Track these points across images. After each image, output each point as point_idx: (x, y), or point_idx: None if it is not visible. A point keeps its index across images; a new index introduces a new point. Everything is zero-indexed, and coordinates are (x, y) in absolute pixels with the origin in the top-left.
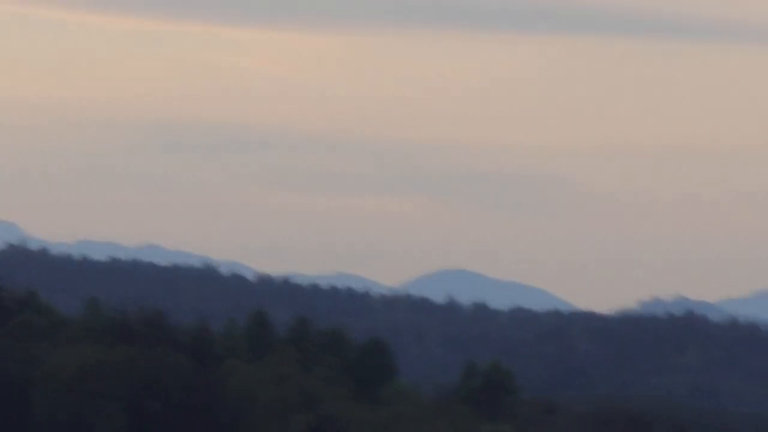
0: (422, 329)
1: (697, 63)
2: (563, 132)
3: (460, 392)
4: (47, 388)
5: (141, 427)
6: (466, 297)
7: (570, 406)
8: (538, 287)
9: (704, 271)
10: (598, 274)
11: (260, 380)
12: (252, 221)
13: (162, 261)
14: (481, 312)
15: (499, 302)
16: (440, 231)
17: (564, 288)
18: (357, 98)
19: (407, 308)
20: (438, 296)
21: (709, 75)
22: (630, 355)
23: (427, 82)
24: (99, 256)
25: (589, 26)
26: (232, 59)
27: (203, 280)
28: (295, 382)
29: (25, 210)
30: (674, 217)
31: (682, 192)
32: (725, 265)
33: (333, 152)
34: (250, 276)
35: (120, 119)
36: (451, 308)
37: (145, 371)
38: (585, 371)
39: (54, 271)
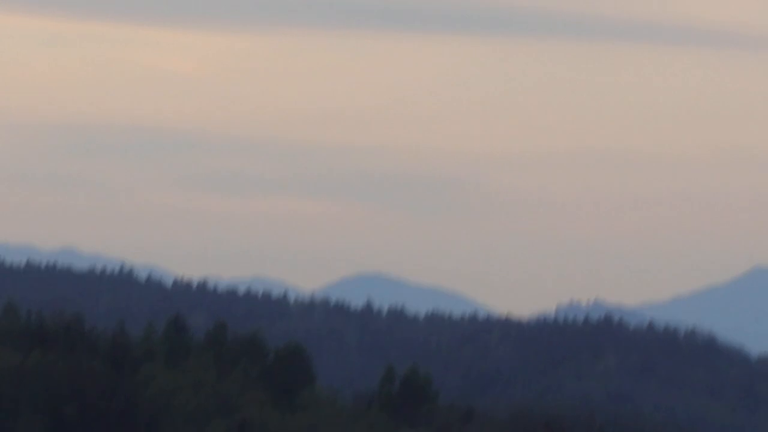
0: (340, 334)
1: (607, 65)
2: (484, 135)
3: (378, 398)
4: None
5: None
6: (383, 301)
7: (488, 412)
8: (456, 292)
9: (622, 276)
10: (516, 278)
11: (177, 385)
12: (169, 225)
13: (79, 265)
14: (399, 317)
15: (417, 307)
16: (359, 235)
17: (482, 293)
18: (273, 101)
19: (325, 313)
20: (356, 301)
21: (623, 77)
22: (548, 360)
23: (347, 85)
24: (15, 259)
25: (496, 27)
26: (149, 61)
27: (120, 284)
28: (212, 388)
29: None
30: (592, 222)
31: (601, 197)
32: (643, 271)
33: (249, 155)
34: (167, 280)
35: (34, 122)
36: (369, 313)
37: (63, 376)
38: (503, 376)
39: None
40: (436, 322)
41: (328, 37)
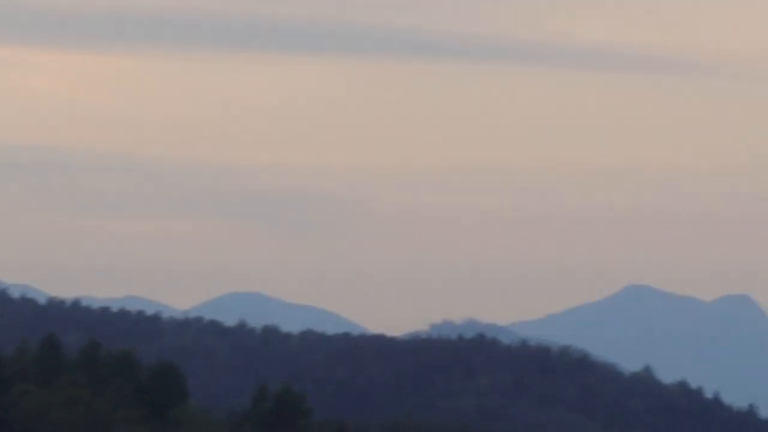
0: (213, 352)
1: (485, 84)
2: (359, 154)
3: (251, 415)
4: None
5: None
6: (257, 320)
7: (361, 428)
8: (329, 310)
9: (495, 294)
10: (390, 297)
11: (50, 403)
12: (42, 243)
13: None
14: (272, 335)
15: (291, 325)
16: (232, 254)
17: (356, 311)
18: (149, 121)
19: (198, 331)
20: (229, 319)
21: (499, 95)
22: (420, 378)
23: (223, 104)
24: None
25: (372, 48)
26: (18, 80)
27: None
28: (85, 405)
29: None
30: (465, 240)
31: (474, 214)
32: (517, 288)
33: (124, 174)
34: (40, 299)
35: None
36: (242, 331)
37: None
38: (375, 394)
39: None
40: (309, 339)
41: (203, 57)
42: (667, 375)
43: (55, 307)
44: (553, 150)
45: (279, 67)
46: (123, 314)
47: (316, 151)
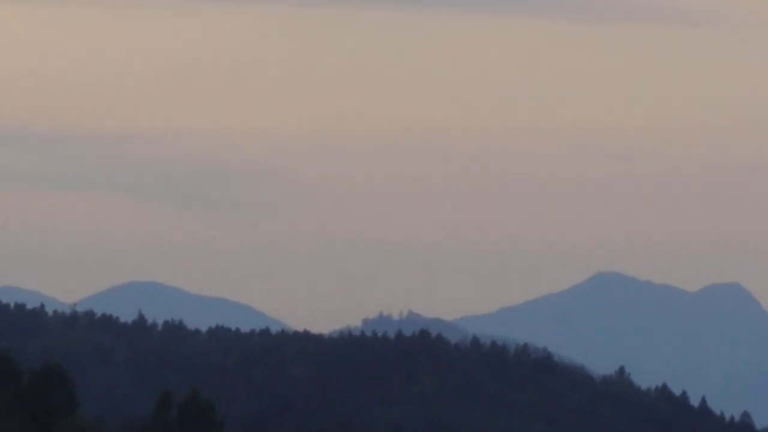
0: (107, 352)
1: (422, 34)
2: (271, 118)
3: (152, 426)
4: None
5: None
6: (158, 314)
7: None
8: (243, 303)
9: (440, 284)
10: (314, 287)
11: None
12: None
13: None
14: (177, 331)
15: (198, 321)
16: (128, 237)
17: (275, 304)
18: (20, 81)
19: (88, 328)
20: (125, 314)
21: (441, 48)
22: (353, 382)
23: (103, 60)
24: None
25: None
26: None
27: None
28: None
29: None
30: (403, 218)
31: (413, 188)
32: (465, 277)
33: None
34: None
35: None
36: (141, 327)
37: None
38: (298, 401)
39: None
40: (220, 337)
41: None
42: (644, 378)
43: None
44: (505, 112)
45: (182, 18)
46: (0, 308)
47: (225, 113)
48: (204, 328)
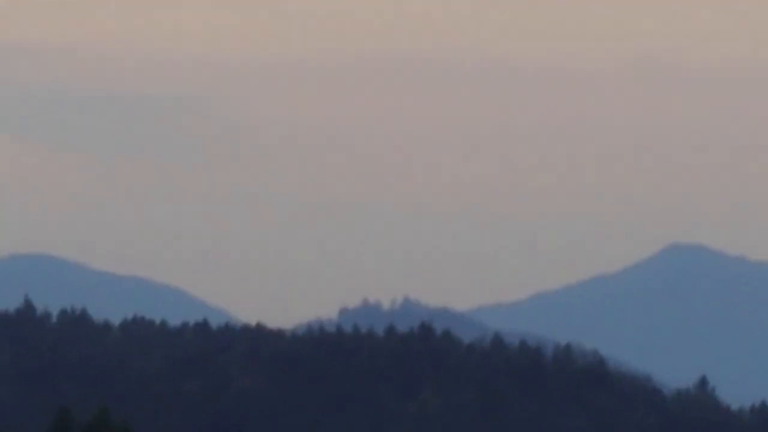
0: None
1: None
2: (201, 43)
3: None
4: None
5: None
6: (50, 299)
7: None
8: (172, 286)
9: (448, 263)
10: (273, 267)
11: None
12: None
13: None
14: (78, 324)
15: (109, 309)
16: (10, 196)
17: (216, 288)
18: None
19: None
20: (5, 299)
21: None
22: (323, 397)
23: None
24: None
25: None
26: None
27: None
28: None
29: None
30: (392, 170)
31: (401, 129)
32: (483, 253)
33: None
34: None
35: None
36: (27, 317)
37: None
38: (249, 421)
39: None
40: (139, 333)
41: None
42: (734, 394)
43: None
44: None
45: None
46: None
47: (136, 37)
48: (117, 320)
